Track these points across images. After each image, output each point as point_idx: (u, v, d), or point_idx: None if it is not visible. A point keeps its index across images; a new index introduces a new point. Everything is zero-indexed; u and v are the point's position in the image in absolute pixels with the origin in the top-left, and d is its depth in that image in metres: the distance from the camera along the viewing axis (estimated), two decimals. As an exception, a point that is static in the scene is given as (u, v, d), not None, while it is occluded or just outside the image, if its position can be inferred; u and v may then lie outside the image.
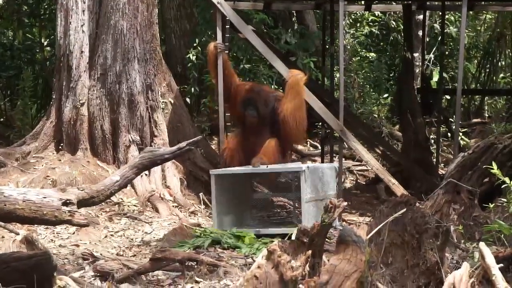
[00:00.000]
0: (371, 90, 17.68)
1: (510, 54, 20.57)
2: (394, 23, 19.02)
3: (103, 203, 9.77)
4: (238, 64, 14.97)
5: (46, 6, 17.19)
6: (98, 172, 10.69)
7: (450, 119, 15.82)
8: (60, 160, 10.90)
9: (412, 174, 12.10)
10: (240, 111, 10.21)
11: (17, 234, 8.03)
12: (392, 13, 18.61)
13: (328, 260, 5.47)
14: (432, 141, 14.62)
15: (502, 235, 6.67)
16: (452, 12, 18.20)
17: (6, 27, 17.79)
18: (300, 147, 15.58)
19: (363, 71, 18.07)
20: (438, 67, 16.30)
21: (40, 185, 10.19)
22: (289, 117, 9.86)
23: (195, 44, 14.58)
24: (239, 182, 9.53)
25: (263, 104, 10.08)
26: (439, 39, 16.74)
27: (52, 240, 8.87)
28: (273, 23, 16.23)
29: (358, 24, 18.87)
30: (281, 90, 15.54)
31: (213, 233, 8.70)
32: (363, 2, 13.87)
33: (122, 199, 10.41)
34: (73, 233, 9.07)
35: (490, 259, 5.18)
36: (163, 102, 11.58)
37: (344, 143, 11.23)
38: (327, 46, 13.62)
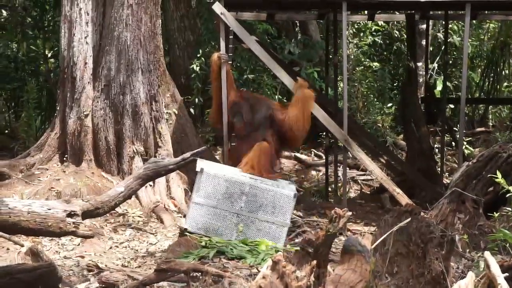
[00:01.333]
0: (375, 99, 17.69)
1: (514, 63, 20.58)
2: (397, 32, 19.04)
3: (107, 214, 9.78)
4: (241, 74, 14.99)
5: (50, 18, 17.24)
6: (102, 183, 10.70)
7: (454, 128, 15.81)
8: (64, 172, 10.91)
9: (417, 184, 12.08)
10: (230, 120, 10.19)
11: (22, 246, 8.03)
12: (395, 22, 18.62)
13: (333, 270, 5.47)
14: (437, 150, 14.62)
15: (507, 244, 6.67)
16: (455, 21, 18.21)
17: (10, 39, 17.83)
18: (304, 157, 15.58)
19: (367, 80, 18.07)
20: (442, 76, 16.30)
21: (45, 197, 10.20)
22: (293, 123, 9.84)
23: (198, 55, 14.61)
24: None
25: (249, 111, 10.00)
26: (442, 48, 16.76)
27: (57, 251, 8.87)
28: (276, 33, 16.26)
29: (362, 34, 18.88)
30: (285, 100, 15.64)
31: (218, 243, 8.70)
32: (366, 12, 13.88)
33: (126, 210, 10.42)
34: (78, 244, 9.07)
35: (495, 269, 5.18)
36: (167, 112, 11.59)
37: (348, 152, 11.22)
38: (331, 56, 13.63)
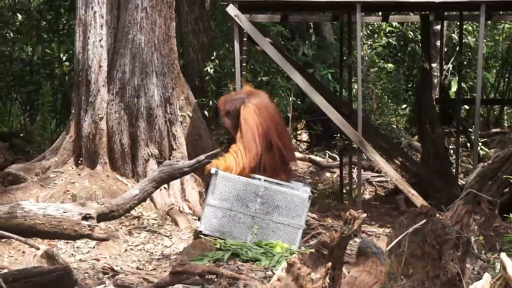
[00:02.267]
0: (389, 101, 17.64)
1: (529, 63, 20.48)
2: (411, 33, 18.98)
3: (122, 217, 9.80)
4: (255, 76, 14.98)
5: (64, 22, 17.30)
6: (117, 186, 10.72)
7: (469, 129, 15.76)
8: (79, 175, 10.94)
9: (432, 185, 12.05)
10: None
11: (38, 249, 8.05)
12: (409, 23, 18.57)
13: (348, 272, 5.46)
14: (452, 151, 14.57)
15: (523, 245, 6.64)
16: (470, 22, 18.15)
17: (25, 42, 17.90)
18: (318, 158, 15.56)
19: (381, 82, 18.03)
20: (457, 77, 16.25)
21: (60, 200, 10.23)
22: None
23: (212, 57, 14.61)
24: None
25: (226, 113, 9.81)
26: (457, 49, 16.70)
27: (72, 254, 8.90)
28: (290, 35, 16.24)
29: (376, 35, 18.84)
30: (299, 102, 15.64)
31: (233, 245, 8.70)
32: (380, 13, 13.86)
33: (141, 212, 10.43)
34: (93, 247, 9.09)
35: (511, 270, 5.15)
36: (181, 115, 11.60)
37: (363, 154, 11.20)
38: (345, 58, 13.61)
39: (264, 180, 9.19)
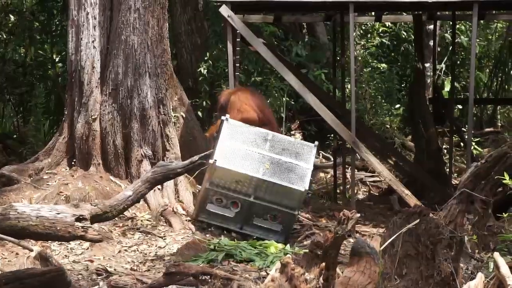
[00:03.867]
0: (383, 101, 17.64)
1: (522, 62, 20.49)
2: (404, 33, 18.99)
3: (116, 218, 9.79)
4: (249, 77, 14.98)
5: (57, 23, 17.26)
6: (111, 187, 10.70)
7: (462, 128, 15.78)
8: (73, 176, 10.92)
9: (425, 185, 12.06)
10: None
11: (31, 250, 8.04)
12: (402, 23, 18.59)
13: (342, 272, 5.47)
14: (445, 151, 14.58)
15: (517, 244, 6.65)
16: (463, 22, 18.18)
17: (18, 44, 17.86)
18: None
19: (375, 82, 18.03)
20: (450, 77, 16.26)
21: (54, 201, 10.20)
22: None
23: (206, 58, 14.61)
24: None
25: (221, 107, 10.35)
26: (450, 48, 16.71)
27: (66, 256, 8.88)
28: (283, 35, 16.24)
29: (369, 35, 18.84)
30: (293, 103, 15.64)
31: (227, 246, 8.71)
32: (373, 13, 13.87)
33: (135, 213, 10.42)
34: (87, 248, 9.07)
35: (505, 269, 5.17)
36: (174, 116, 11.60)
37: (357, 154, 11.22)
38: (338, 58, 13.62)
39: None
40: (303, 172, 9.39)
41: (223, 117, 9.45)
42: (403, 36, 19.04)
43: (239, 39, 10.73)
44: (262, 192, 9.46)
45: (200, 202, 9.81)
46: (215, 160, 9.23)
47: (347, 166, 12.68)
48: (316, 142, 9.71)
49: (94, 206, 9.09)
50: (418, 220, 5.74)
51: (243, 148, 9.38)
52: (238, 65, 10.88)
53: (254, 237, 9.50)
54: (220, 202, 9.65)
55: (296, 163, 9.39)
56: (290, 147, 9.48)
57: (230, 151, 9.33)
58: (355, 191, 12.05)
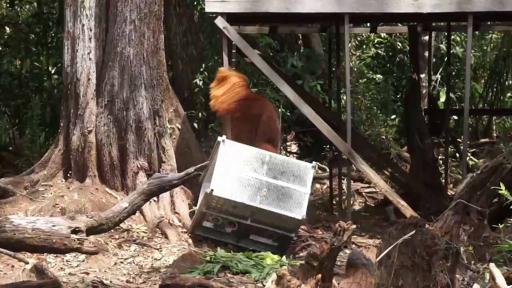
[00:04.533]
0: (379, 111, 17.67)
1: (517, 73, 20.55)
2: (400, 44, 19.04)
3: (112, 230, 9.78)
4: (245, 88, 14.98)
5: (53, 35, 17.26)
6: (106, 199, 10.69)
7: (458, 139, 15.80)
8: (68, 188, 10.91)
9: (421, 196, 12.07)
10: None
11: (27, 263, 8.03)
12: (398, 34, 18.63)
13: (338, 284, 5.46)
14: (441, 162, 14.60)
15: (513, 255, 6.65)
16: (458, 33, 18.22)
17: (13, 55, 17.86)
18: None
19: (370, 92, 18.07)
20: (445, 88, 16.30)
21: (49, 214, 10.18)
22: None
23: (201, 69, 14.62)
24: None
25: None
26: (445, 59, 16.76)
27: (61, 268, 8.86)
28: (279, 46, 16.27)
29: (364, 46, 18.89)
30: (289, 114, 15.65)
31: (223, 257, 8.69)
32: (368, 24, 13.90)
33: (131, 225, 10.40)
34: (83, 261, 9.05)
35: (500, 280, 5.17)
36: (170, 127, 11.60)
37: (352, 165, 11.22)
38: (333, 69, 13.64)
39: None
40: (301, 197, 9.27)
41: (219, 138, 9.34)
42: (399, 47, 19.08)
43: (234, 51, 10.76)
44: (259, 216, 9.41)
45: (196, 220, 9.80)
46: (212, 190, 9.17)
47: (343, 177, 12.69)
48: (314, 163, 9.61)
49: (90, 218, 9.07)
50: (414, 231, 5.74)
51: (240, 173, 9.25)
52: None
53: (250, 249, 9.49)
54: (216, 221, 9.62)
55: (294, 187, 9.28)
56: (288, 170, 9.34)
57: (227, 178, 9.20)
58: (351, 202, 12.05)
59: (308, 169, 9.42)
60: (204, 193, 9.50)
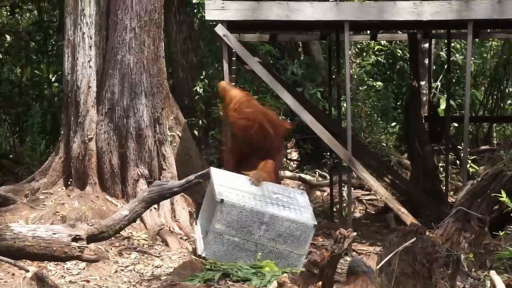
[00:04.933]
0: (379, 119, 17.67)
1: (517, 80, 20.56)
2: (400, 51, 19.05)
3: (112, 238, 9.77)
4: (245, 95, 14.99)
5: (53, 43, 17.30)
6: (107, 207, 10.69)
7: (458, 146, 15.80)
8: (69, 196, 10.91)
9: (422, 203, 12.06)
10: None
11: (27, 271, 8.03)
12: (398, 41, 18.65)
13: (339, 292, 5.46)
14: (441, 169, 14.59)
15: (513, 262, 6.65)
16: (458, 40, 18.24)
17: (14, 63, 17.89)
18: (309, 177, 15.56)
19: (370, 100, 18.07)
20: (445, 95, 16.31)
21: (50, 221, 10.18)
22: None
23: (202, 77, 14.63)
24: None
25: None
26: (445, 67, 16.78)
27: (62, 276, 8.85)
28: (279, 54, 16.28)
29: (364, 54, 18.91)
30: (289, 120, 15.65)
31: (224, 265, 8.68)
32: (368, 32, 13.92)
33: (131, 233, 10.40)
34: (83, 268, 9.05)
35: (501, 288, 5.16)
36: (171, 135, 11.61)
37: (353, 172, 11.22)
38: (334, 76, 13.65)
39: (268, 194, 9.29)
40: (297, 259, 9.07)
41: (217, 197, 8.96)
42: (399, 54, 19.10)
43: (234, 58, 10.76)
44: None
45: None
46: (205, 256, 9.05)
47: (343, 184, 12.68)
48: (315, 223, 9.14)
49: (91, 226, 9.07)
50: (414, 239, 5.74)
51: (236, 237, 8.95)
52: (234, 84, 10.89)
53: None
54: None
55: (291, 249, 9.06)
56: (287, 231, 9.01)
57: (222, 242, 8.95)
58: (352, 209, 12.04)
59: (309, 229, 9.05)
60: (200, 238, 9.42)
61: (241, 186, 9.35)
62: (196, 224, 9.92)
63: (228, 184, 9.33)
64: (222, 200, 8.92)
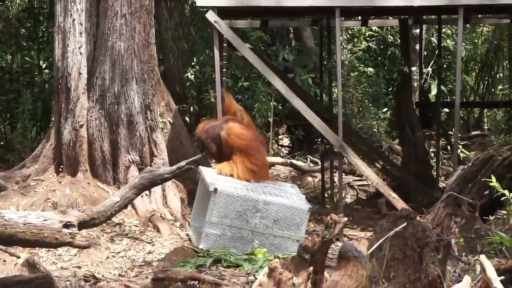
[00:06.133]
0: (370, 105, 17.71)
1: (508, 66, 20.60)
2: (391, 37, 19.07)
3: (104, 224, 9.76)
4: (236, 82, 15.00)
5: (44, 29, 17.24)
6: (98, 193, 10.69)
7: (449, 132, 15.83)
8: (60, 182, 10.90)
9: (413, 188, 12.09)
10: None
11: (19, 257, 8.02)
12: (389, 27, 18.66)
13: (330, 276, 5.47)
14: (432, 154, 14.62)
15: (504, 247, 6.67)
16: (449, 26, 18.25)
17: (4, 50, 17.84)
18: (300, 163, 15.58)
19: (362, 86, 18.10)
20: (436, 81, 16.33)
21: (41, 208, 10.18)
22: None
23: (193, 63, 14.62)
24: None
25: (211, 139, 9.98)
26: (436, 52, 16.80)
27: (53, 262, 8.86)
28: (270, 40, 16.27)
29: (356, 39, 18.92)
30: (280, 107, 15.66)
31: (216, 252, 8.70)
32: (359, 18, 13.91)
33: (123, 219, 10.41)
34: (75, 255, 9.06)
35: (491, 272, 5.18)
36: (162, 121, 11.59)
37: (344, 158, 11.23)
38: (325, 62, 13.64)
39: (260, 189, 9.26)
40: (294, 245, 8.92)
41: (211, 187, 8.99)
42: (390, 40, 19.12)
43: (225, 44, 10.74)
44: None
45: None
46: (201, 249, 9.02)
47: (334, 170, 12.70)
48: (309, 206, 9.21)
49: (82, 212, 9.03)
50: (405, 224, 5.74)
51: (232, 226, 8.97)
52: (225, 70, 10.88)
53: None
54: None
55: (288, 235, 9.03)
56: (282, 216, 9.02)
57: (217, 232, 8.97)
58: (343, 195, 12.06)
59: (304, 213, 9.07)
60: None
61: (231, 179, 9.38)
62: (189, 225, 9.97)
63: (219, 177, 9.37)
64: (215, 189, 8.92)
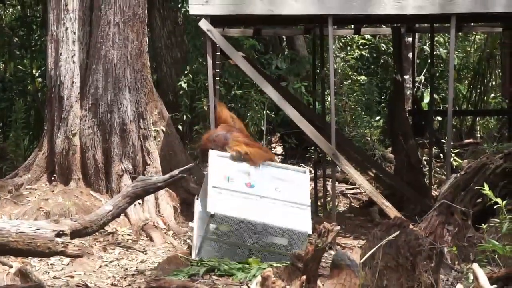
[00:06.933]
0: (363, 113, 17.71)
1: (500, 74, 20.63)
2: (384, 45, 19.09)
3: (96, 233, 9.75)
4: (229, 90, 15.00)
5: (36, 38, 17.22)
6: (91, 202, 10.67)
7: (442, 140, 15.84)
8: (53, 191, 10.88)
9: (406, 196, 12.09)
10: None
11: (11, 267, 7.99)
12: (381, 36, 18.69)
13: (323, 285, 5.47)
14: (425, 162, 14.63)
15: (496, 255, 6.68)
16: (441, 34, 18.29)
17: (-3, 59, 17.83)
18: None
19: (354, 94, 18.11)
20: (429, 89, 16.35)
21: (33, 217, 10.17)
22: None
23: (186, 72, 14.61)
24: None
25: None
26: (429, 60, 16.83)
27: (46, 271, 8.84)
28: (263, 48, 16.28)
29: (348, 48, 18.93)
30: (273, 116, 15.66)
31: (210, 261, 8.68)
32: (352, 26, 13.93)
33: (115, 228, 10.39)
34: (67, 264, 9.04)
35: (483, 280, 5.19)
36: (155, 130, 11.59)
37: (337, 166, 11.23)
38: (318, 70, 13.65)
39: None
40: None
41: (208, 210, 8.84)
42: (382, 48, 19.15)
43: (218, 53, 10.74)
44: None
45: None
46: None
47: (327, 179, 12.70)
48: (309, 232, 8.86)
49: (74, 221, 9.01)
50: (398, 232, 5.75)
51: (229, 246, 8.90)
52: (218, 78, 10.88)
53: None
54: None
55: (286, 254, 8.95)
56: (280, 241, 8.91)
57: (215, 249, 8.91)
58: (336, 203, 12.06)
59: (303, 237, 8.86)
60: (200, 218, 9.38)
61: (235, 176, 9.27)
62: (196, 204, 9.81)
63: (223, 173, 9.22)
64: (212, 216, 8.83)
